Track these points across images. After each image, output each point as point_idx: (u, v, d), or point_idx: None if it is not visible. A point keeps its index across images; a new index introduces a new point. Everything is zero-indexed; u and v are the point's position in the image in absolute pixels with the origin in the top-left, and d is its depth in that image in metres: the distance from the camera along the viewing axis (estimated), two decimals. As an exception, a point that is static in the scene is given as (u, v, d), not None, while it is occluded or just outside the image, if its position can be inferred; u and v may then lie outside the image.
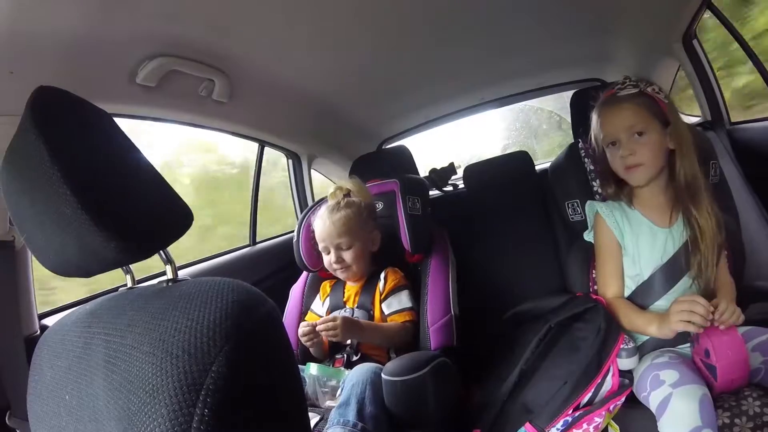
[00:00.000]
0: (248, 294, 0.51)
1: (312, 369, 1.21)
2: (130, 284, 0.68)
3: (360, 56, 1.52)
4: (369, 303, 1.35)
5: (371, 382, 1.07)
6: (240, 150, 1.91)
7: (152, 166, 0.60)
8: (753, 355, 0.93)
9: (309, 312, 1.45)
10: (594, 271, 1.25)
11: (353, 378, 1.09)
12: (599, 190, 1.30)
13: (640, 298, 1.13)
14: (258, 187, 1.93)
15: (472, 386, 1.28)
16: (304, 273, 1.54)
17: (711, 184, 1.18)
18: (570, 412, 0.97)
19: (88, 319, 0.61)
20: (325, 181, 2.30)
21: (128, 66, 1.06)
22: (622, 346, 1.03)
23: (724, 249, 1.12)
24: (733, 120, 1.75)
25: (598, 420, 0.98)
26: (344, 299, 1.39)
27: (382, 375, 1.07)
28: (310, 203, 1.90)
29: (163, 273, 0.62)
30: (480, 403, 1.17)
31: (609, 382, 1.01)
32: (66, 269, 0.61)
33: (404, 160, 1.82)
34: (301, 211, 1.82)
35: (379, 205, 1.52)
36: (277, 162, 2.20)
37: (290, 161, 2.07)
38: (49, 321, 1.08)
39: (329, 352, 1.32)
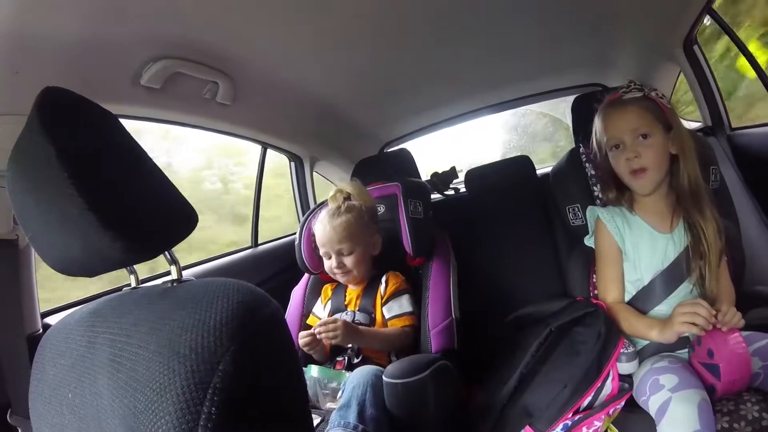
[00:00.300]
0: (253, 295, 0.51)
1: (313, 371, 1.21)
2: (134, 284, 0.69)
3: (362, 59, 1.52)
4: (370, 306, 1.35)
5: (372, 385, 1.07)
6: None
7: (157, 167, 0.60)
8: (752, 360, 0.93)
9: (310, 315, 1.45)
10: (594, 276, 1.26)
11: (354, 380, 1.09)
12: (600, 195, 1.31)
13: (640, 303, 1.13)
14: (260, 189, 1.93)
15: (473, 389, 1.28)
16: (306, 275, 1.54)
17: (711, 189, 1.19)
18: (570, 415, 0.98)
19: (91, 318, 0.62)
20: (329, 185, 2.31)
21: (133, 67, 1.07)
22: (621, 351, 1.03)
23: (724, 254, 1.12)
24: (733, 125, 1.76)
25: (597, 424, 0.98)
26: (345, 302, 1.39)
27: (383, 377, 1.07)
28: (312, 206, 1.91)
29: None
30: (480, 406, 1.17)
31: (609, 386, 1.01)
32: (70, 268, 0.62)
33: (406, 164, 1.82)
34: (303, 214, 1.82)
35: (381, 208, 1.52)
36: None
37: (292, 164, 2.08)
38: (51, 320, 1.08)
39: (330, 355, 1.32)
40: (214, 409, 0.41)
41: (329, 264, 1.36)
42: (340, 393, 1.13)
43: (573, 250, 1.34)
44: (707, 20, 1.61)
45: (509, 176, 2.10)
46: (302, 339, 1.20)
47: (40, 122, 0.52)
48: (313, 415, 1.12)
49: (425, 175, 2.32)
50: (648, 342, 1.10)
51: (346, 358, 1.27)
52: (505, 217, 1.99)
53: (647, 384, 0.97)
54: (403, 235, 1.43)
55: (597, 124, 1.18)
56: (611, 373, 1.01)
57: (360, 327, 1.26)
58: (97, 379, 0.53)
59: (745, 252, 1.24)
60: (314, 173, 2.13)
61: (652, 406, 0.94)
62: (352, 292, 1.40)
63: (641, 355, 1.08)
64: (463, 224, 1.95)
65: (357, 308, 1.36)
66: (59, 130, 0.52)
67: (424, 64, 1.71)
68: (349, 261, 1.33)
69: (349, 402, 1.05)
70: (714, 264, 1.07)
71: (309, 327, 1.37)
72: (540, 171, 2.19)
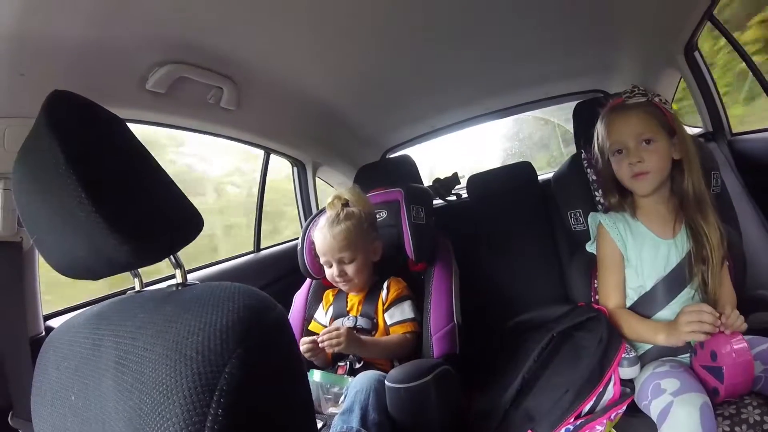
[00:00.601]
0: (258, 298, 0.52)
1: (315, 376, 1.21)
2: (138, 287, 0.69)
3: (365, 66, 1.53)
4: (372, 312, 1.34)
5: (375, 390, 1.07)
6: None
7: (164, 170, 0.61)
8: (754, 363, 0.93)
9: (312, 321, 1.45)
10: (596, 282, 1.26)
11: (357, 385, 1.09)
12: (602, 201, 1.31)
13: (642, 309, 1.13)
14: (263, 194, 1.94)
15: (475, 394, 1.28)
16: (308, 280, 1.54)
17: (712, 194, 1.19)
18: (572, 420, 0.97)
19: (96, 321, 0.62)
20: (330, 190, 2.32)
21: (139, 72, 1.08)
22: (623, 355, 1.03)
23: (726, 259, 1.12)
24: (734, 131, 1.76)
25: (599, 428, 0.98)
26: (347, 308, 1.39)
27: (386, 382, 1.07)
28: (314, 211, 1.92)
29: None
30: (482, 411, 1.16)
31: (611, 391, 1.01)
32: (75, 271, 0.62)
33: (408, 170, 1.82)
34: (305, 219, 1.83)
35: (383, 214, 1.52)
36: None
37: (295, 169, 2.09)
38: (54, 322, 1.09)
39: (332, 360, 1.32)
40: (220, 411, 0.41)
41: (330, 272, 1.35)
42: (342, 398, 1.13)
43: (574, 255, 1.34)
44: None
45: (511, 182, 2.10)
46: (303, 345, 1.20)
47: (48, 125, 0.53)
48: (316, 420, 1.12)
49: (427, 181, 2.32)
50: (649, 347, 1.10)
51: (348, 362, 1.27)
52: (507, 223, 1.99)
53: (649, 388, 0.97)
54: (405, 240, 1.43)
55: (600, 128, 1.18)
56: (613, 377, 1.01)
57: (362, 337, 1.25)
58: (101, 381, 0.53)
59: (746, 256, 1.24)
60: (317, 178, 2.13)
61: (653, 410, 0.93)
62: (354, 297, 1.40)
63: (643, 360, 1.08)
64: (465, 230, 1.95)
65: (359, 314, 1.35)
66: (67, 133, 0.53)
67: (427, 71, 1.72)
68: (350, 269, 1.33)
69: (352, 407, 1.05)
70: (716, 269, 1.07)
71: (311, 332, 1.37)
72: (541, 177, 2.19)
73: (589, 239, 1.27)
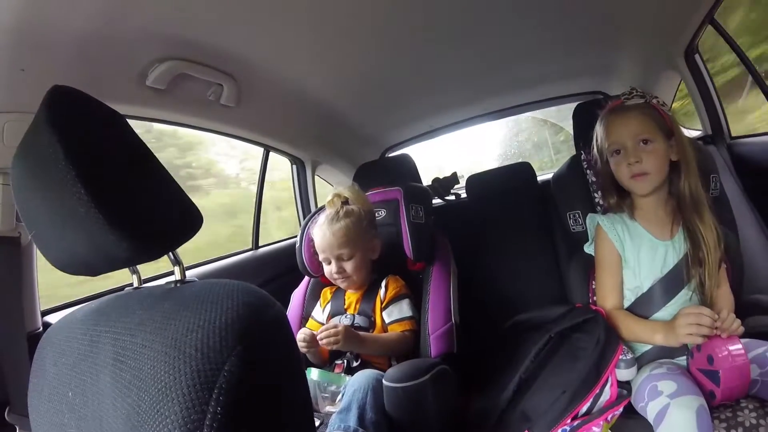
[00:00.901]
0: (257, 296, 0.51)
1: (313, 374, 1.21)
2: (136, 284, 0.69)
3: (365, 65, 1.53)
4: (370, 310, 1.34)
5: (373, 389, 1.07)
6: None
7: (164, 167, 0.60)
8: (750, 367, 0.94)
9: (310, 318, 1.45)
10: (593, 283, 1.26)
11: (355, 384, 1.09)
12: (601, 202, 1.31)
13: (639, 310, 1.14)
14: (262, 192, 1.94)
15: (472, 394, 1.28)
16: (306, 278, 1.54)
17: (711, 197, 1.20)
18: (568, 421, 0.98)
19: (94, 318, 0.62)
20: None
21: (139, 68, 1.08)
22: (620, 357, 1.03)
23: (724, 262, 1.13)
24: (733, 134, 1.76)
25: (595, 429, 0.98)
26: (345, 306, 1.39)
27: (383, 381, 1.07)
28: (313, 209, 1.91)
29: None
30: (479, 411, 1.17)
31: (607, 393, 1.01)
32: (74, 267, 0.62)
33: (407, 169, 1.83)
34: (304, 217, 1.83)
35: (382, 213, 1.53)
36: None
37: (294, 167, 2.09)
38: (51, 318, 1.08)
39: (329, 358, 1.32)
40: (219, 409, 0.41)
41: (329, 269, 1.35)
42: (339, 396, 1.13)
43: (573, 256, 1.35)
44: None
45: (510, 182, 2.11)
46: (299, 336, 1.20)
47: (48, 120, 0.52)
48: (313, 418, 1.12)
49: (427, 180, 2.33)
50: (647, 349, 1.10)
51: (345, 361, 1.26)
52: (506, 223, 2.00)
53: (645, 390, 0.97)
54: (404, 239, 1.43)
55: (598, 130, 1.18)
56: (610, 379, 1.01)
57: (360, 333, 1.25)
58: (99, 378, 0.53)
59: (744, 260, 1.24)
60: (316, 176, 2.13)
61: (650, 412, 0.94)
62: (352, 296, 1.40)
63: (640, 362, 1.08)
64: (463, 229, 1.96)
65: (356, 312, 1.35)
66: (68, 128, 0.52)
67: (427, 70, 1.72)
68: (348, 266, 1.33)
69: (350, 406, 1.05)
70: (713, 270, 1.08)
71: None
72: (541, 178, 2.20)
73: (588, 240, 1.27)
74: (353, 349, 1.25)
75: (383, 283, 1.36)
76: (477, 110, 2.38)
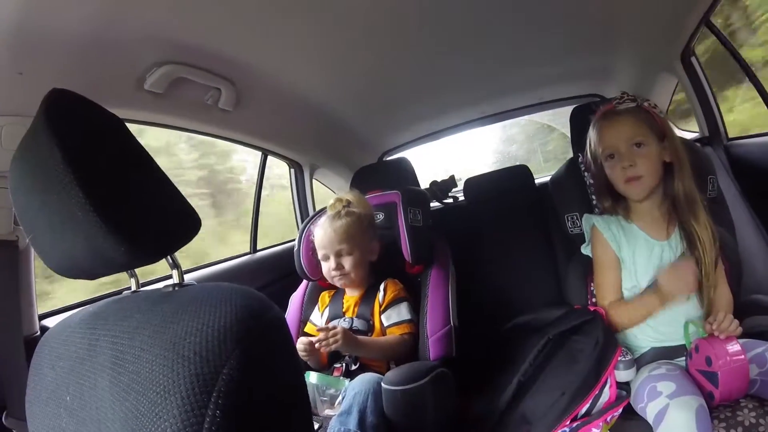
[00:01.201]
0: (255, 299, 0.51)
1: (312, 377, 1.21)
2: (134, 287, 0.68)
3: (363, 68, 1.54)
4: (368, 313, 1.34)
5: (374, 392, 1.07)
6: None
7: (162, 170, 0.60)
8: (749, 367, 0.94)
9: (308, 322, 1.44)
10: (592, 284, 1.26)
11: (356, 387, 1.09)
12: (598, 204, 1.31)
13: None
14: (260, 196, 1.94)
15: (471, 396, 1.28)
16: (304, 282, 1.54)
17: (709, 198, 1.20)
18: (568, 423, 0.98)
19: (92, 321, 0.61)
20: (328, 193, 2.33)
21: (137, 72, 1.08)
22: (619, 358, 1.04)
23: (722, 261, 1.13)
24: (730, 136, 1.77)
25: (595, 431, 0.98)
26: (343, 309, 1.38)
27: (383, 384, 1.07)
28: (311, 212, 1.91)
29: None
30: (478, 413, 1.17)
31: (606, 394, 1.01)
32: (71, 271, 0.61)
33: (405, 172, 1.82)
34: (302, 221, 1.83)
35: (380, 216, 1.52)
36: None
37: (292, 171, 2.09)
38: (49, 322, 1.08)
39: (328, 362, 1.31)
40: (218, 412, 0.41)
41: (327, 266, 1.36)
42: (338, 399, 1.12)
43: (571, 258, 1.35)
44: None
45: (508, 185, 2.11)
46: (299, 345, 1.19)
47: (46, 124, 0.52)
48: (311, 422, 1.12)
49: (423, 184, 2.33)
50: (646, 349, 1.11)
51: (344, 364, 1.26)
52: (504, 226, 2.00)
53: (645, 391, 0.97)
54: (402, 242, 1.43)
55: (592, 135, 1.19)
56: (609, 380, 1.01)
57: (359, 337, 1.25)
58: (97, 381, 0.53)
59: (741, 261, 1.24)
60: (314, 180, 2.14)
61: (649, 413, 0.94)
62: (350, 299, 1.40)
63: (639, 363, 1.09)
64: (461, 232, 1.96)
65: (355, 315, 1.35)
66: (66, 132, 0.52)
67: (425, 74, 1.72)
68: (347, 262, 1.33)
69: (350, 409, 1.04)
70: (709, 269, 1.08)
71: (306, 334, 1.37)
72: (538, 180, 2.20)
73: (585, 242, 1.27)
74: (352, 353, 1.24)
75: (382, 287, 1.36)
76: (474, 114, 2.39)
